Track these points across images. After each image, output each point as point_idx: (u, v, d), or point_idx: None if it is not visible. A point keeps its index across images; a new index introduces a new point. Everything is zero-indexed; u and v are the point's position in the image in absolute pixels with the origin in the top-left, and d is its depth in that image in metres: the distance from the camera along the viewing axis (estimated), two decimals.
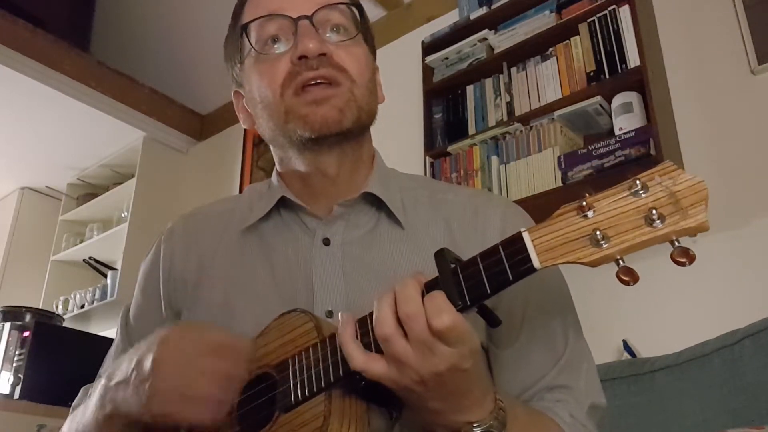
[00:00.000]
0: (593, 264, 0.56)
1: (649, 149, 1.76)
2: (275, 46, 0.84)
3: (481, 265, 0.60)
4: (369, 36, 0.92)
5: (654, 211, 0.54)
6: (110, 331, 3.22)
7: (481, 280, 0.60)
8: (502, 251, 0.60)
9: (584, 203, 0.57)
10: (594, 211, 0.56)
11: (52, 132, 3.42)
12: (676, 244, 0.54)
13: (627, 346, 1.78)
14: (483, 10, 2.37)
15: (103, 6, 3.65)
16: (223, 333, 0.74)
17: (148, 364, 0.70)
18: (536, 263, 0.58)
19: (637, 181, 0.55)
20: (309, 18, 0.82)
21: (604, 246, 0.55)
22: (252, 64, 0.87)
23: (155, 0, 3.47)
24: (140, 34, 3.63)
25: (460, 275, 0.61)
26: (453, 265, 0.62)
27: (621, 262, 0.55)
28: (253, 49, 0.86)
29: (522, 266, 0.58)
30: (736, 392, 1.33)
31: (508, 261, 0.59)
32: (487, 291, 0.60)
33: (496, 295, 0.82)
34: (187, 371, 0.68)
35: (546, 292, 0.85)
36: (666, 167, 0.56)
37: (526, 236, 0.59)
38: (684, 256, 0.53)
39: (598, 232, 0.55)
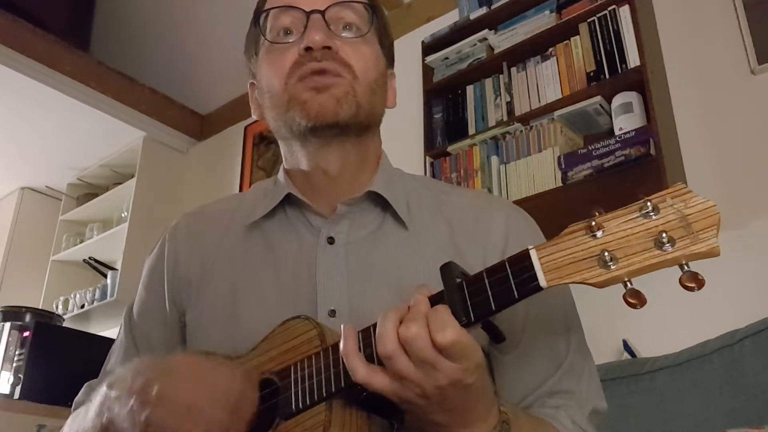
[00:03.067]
0: (600, 285, 0.56)
1: (649, 149, 1.76)
2: (287, 37, 0.86)
3: (486, 282, 0.60)
4: (385, 39, 0.92)
5: (664, 234, 0.53)
6: (110, 331, 3.22)
7: (487, 297, 0.59)
8: (508, 268, 0.59)
9: (593, 223, 0.56)
10: (603, 231, 0.56)
11: (52, 132, 3.42)
12: (686, 268, 0.53)
13: (627, 346, 1.78)
14: (483, 10, 2.36)
15: (103, 6, 3.65)
16: (231, 381, 0.70)
17: (150, 394, 0.67)
18: (543, 282, 0.57)
19: (648, 203, 0.55)
20: (321, 13, 0.84)
21: (612, 267, 0.55)
22: (264, 54, 0.88)
23: (155, 0, 3.47)
24: (140, 34, 3.63)
25: (466, 291, 0.61)
26: (459, 280, 0.61)
27: (629, 284, 0.55)
28: (266, 40, 0.87)
29: (528, 284, 0.58)
30: (736, 392, 1.33)
31: (515, 279, 0.58)
32: (492, 308, 0.59)
33: None
34: (188, 416, 0.66)
35: (549, 297, 0.83)
36: (678, 189, 0.55)
37: (533, 254, 0.58)
38: (693, 281, 0.52)
39: (606, 253, 0.55)
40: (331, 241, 0.84)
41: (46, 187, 3.88)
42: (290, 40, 0.85)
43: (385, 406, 0.66)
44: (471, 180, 2.19)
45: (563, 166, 1.93)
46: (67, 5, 3.45)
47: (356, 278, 0.81)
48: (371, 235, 0.85)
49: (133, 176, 3.43)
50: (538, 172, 2.02)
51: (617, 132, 1.88)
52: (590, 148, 1.88)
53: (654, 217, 0.54)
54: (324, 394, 0.67)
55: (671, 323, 1.77)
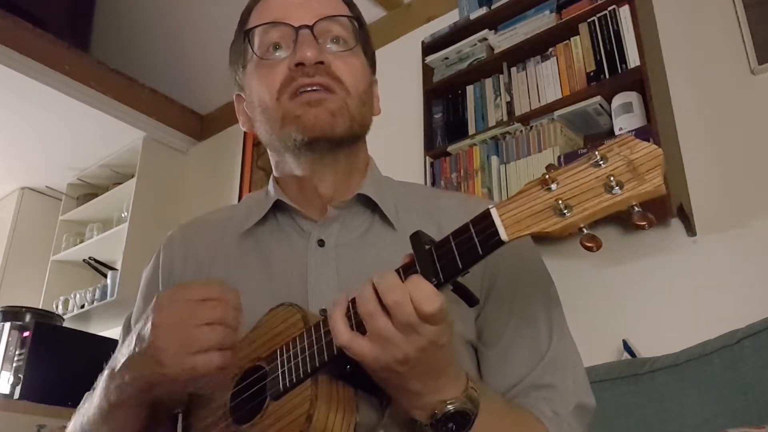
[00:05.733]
0: (558, 233, 0.58)
1: None
2: (276, 52, 0.87)
3: (453, 243, 0.63)
4: (369, 49, 0.95)
5: (612, 179, 0.56)
6: (110, 332, 3.22)
7: (454, 257, 0.62)
8: (472, 228, 0.62)
9: (547, 177, 0.59)
10: (557, 184, 0.59)
11: (52, 132, 3.41)
12: (636, 209, 0.56)
13: (627, 346, 1.78)
14: (483, 10, 2.36)
15: (103, 6, 3.65)
16: (207, 285, 0.75)
17: (148, 332, 0.71)
18: (504, 236, 0.60)
19: (597, 153, 0.58)
20: (310, 28, 0.85)
21: (567, 215, 0.58)
22: (253, 69, 0.90)
23: (155, 0, 3.47)
24: (140, 34, 3.63)
25: (435, 254, 0.64)
26: (428, 246, 0.65)
27: (584, 230, 0.57)
28: (254, 55, 0.88)
29: (491, 240, 0.61)
30: (736, 392, 1.34)
31: (478, 237, 0.61)
32: (459, 267, 0.62)
33: (483, 294, 0.83)
34: (186, 326, 0.70)
35: (531, 290, 0.87)
36: (624, 139, 0.58)
37: (493, 212, 0.61)
38: (644, 219, 0.55)
39: (560, 202, 0.58)
40: (321, 243, 0.86)
41: (46, 187, 3.88)
42: (280, 56, 0.86)
43: (371, 383, 0.68)
44: (471, 180, 2.18)
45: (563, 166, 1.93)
46: (67, 5, 3.45)
47: (347, 278, 0.84)
48: (361, 237, 0.88)
49: (133, 176, 3.43)
50: (539, 172, 2.00)
51: (617, 132, 1.88)
52: (590, 148, 1.88)
53: (603, 166, 0.57)
54: (309, 370, 0.69)
55: (671, 323, 1.77)
